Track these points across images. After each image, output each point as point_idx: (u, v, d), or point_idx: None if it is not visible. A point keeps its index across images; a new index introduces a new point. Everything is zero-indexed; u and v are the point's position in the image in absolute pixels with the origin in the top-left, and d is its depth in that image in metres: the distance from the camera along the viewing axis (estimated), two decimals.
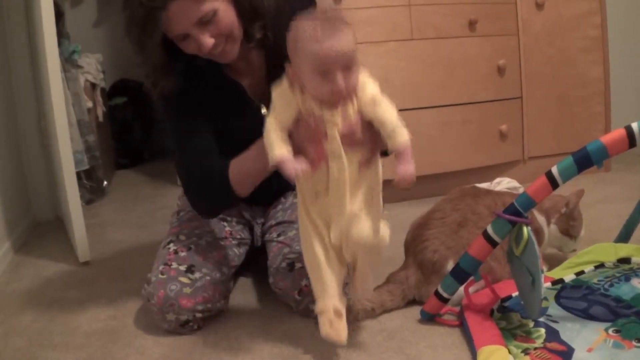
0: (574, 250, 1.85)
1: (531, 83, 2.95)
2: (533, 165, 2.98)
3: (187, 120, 1.65)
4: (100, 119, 3.36)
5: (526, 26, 2.90)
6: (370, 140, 1.35)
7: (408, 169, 1.30)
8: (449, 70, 2.76)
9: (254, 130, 1.41)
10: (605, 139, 1.29)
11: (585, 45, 3.00)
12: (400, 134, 1.31)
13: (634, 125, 1.26)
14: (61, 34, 3.03)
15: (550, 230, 1.82)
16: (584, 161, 1.31)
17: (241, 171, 1.55)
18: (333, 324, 1.38)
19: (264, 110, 1.66)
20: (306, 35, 1.27)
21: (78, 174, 2.79)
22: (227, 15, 1.49)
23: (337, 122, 1.32)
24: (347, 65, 1.28)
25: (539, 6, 2.90)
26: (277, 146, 1.33)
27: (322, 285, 1.41)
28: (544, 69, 2.97)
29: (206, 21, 1.45)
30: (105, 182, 3.32)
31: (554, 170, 1.33)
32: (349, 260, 1.43)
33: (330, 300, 1.40)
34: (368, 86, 1.34)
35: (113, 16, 4.24)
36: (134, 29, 1.47)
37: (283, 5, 1.57)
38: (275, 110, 1.36)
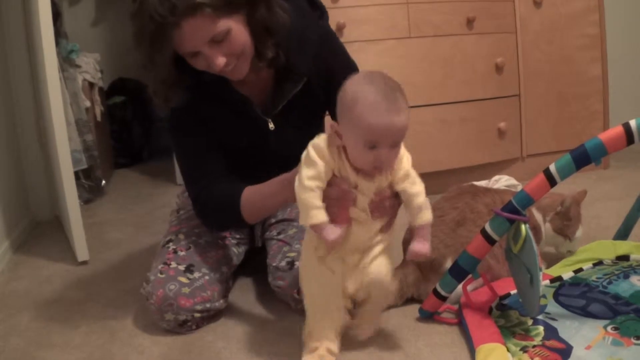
0: (569, 252, 1.83)
1: (529, 81, 2.95)
2: (531, 163, 2.98)
3: (194, 141, 1.64)
4: (99, 118, 3.36)
5: (524, 24, 2.90)
6: (394, 209, 1.37)
7: (424, 247, 1.33)
8: (447, 68, 2.76)
9: (260, 145, 1.39)
10: (603, 136, 1.29)
11: (583, 43, 3.00)
12: (425, 214, 1.33)
13: (632, 123, 1.26)
14: (59, 33, 3.03)
15: (545, 228, 1.82)
16: (582, 158, 1.31)
17: (255, 204, 1.54)
18: (324, 358, 1.38)
19: (271, 126, 1.65)
20: (367, 103, 1.23)
21: (76, 174, 2.80)
22: (241, 34, 1.46)
23: (369, 194, 1.31)
24: (397, 142, 1.27)
25: (537, 4, 2.90)
26: (315, 208, 1.27)
27: (321, 330, 1.41)
28: (542, 66, 2.97)
29: (219, 40, 1.43)
30: (103, 182, 3.32)
31: (552, 167, 1.33)
32: (360, 299, 1.43)
33: (325, 342, 1.39)
34: (403, 160, 1.33)
35: (111, 15, 4.24)
36: (143, 42, 1.43)
37: (295, 24, 1.56)
38: (315, 167, 1.28)
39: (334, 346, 1.40)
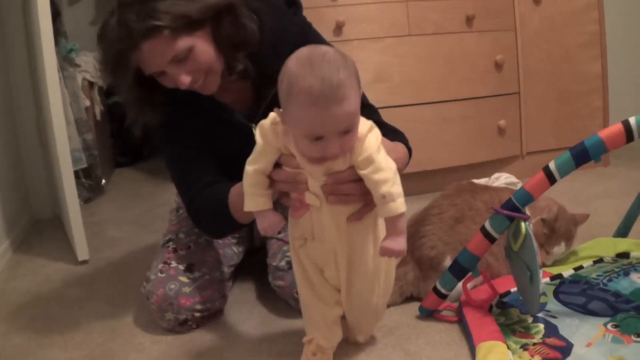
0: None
1: (529, 78, 2.95)
2: (531, 161, 2.98)
3: (182, 151, 1.61)
4: (98, 117, 3.36)
5: (524, 22, 2.90)
6: (360, 196, 1.21)
7: (396, 244, 1.19)
8: (447, 66, 2.76)
9: (247, 151, 1.36)
10: (603, 133, 1.29)
11: (583, 40, 3.00)
12: (392, 206, 1.16)
13: (632, 120, 1.26)
14: (58, 33, 3.03)
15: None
16: (582, 156, 1.31)
17: (237, 203, 1.44)
18: (317, 356, 1.36)
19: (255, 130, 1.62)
20: (302, 92, 1.09)
21: (76, 173, 2.80)
22: (205, 51, 1.44)
23: (319, 176, 1.19)
24: (345, 130, 1.12)
25: (537, 2, 2.90)
26: (250, 195, 1.23)
27: (311, 321, 1.40)
28: (542, 64, 2.96)
29: (181, 59, 1.41)
30: (103, 181, 3.31)
31: (552, 165, 1.33)
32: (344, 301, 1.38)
33: (316, 335, 1.37)
34: (366, 142, 1.17)
35: None
36: (106, 67, 1.45)
37: (271, 26, 1.54)
38: (254, 153, 1.23)
39: (324, 342, 1.36)
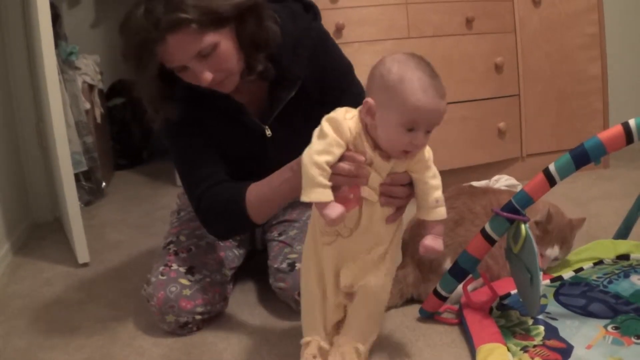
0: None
1: (529, 80, 2.95)
2: (531, 163, 2.98)
3: (192, 147, 1.60)
4: (98, 120, 3.36)
5: (523, 23, 2.90)
6: (403, 199, 1.30)
7: (437, 243, 1.28)
8: (446, 69, 2.75)
9: (258, 153, 1.35)
10: (603, 135, 1.29)
11: (583, 42, 3.00)
12: (442, 210, 1.29)
13: (631, 122, 1.26)
14: (58, 36, 3.03)
15: None
16: (582, 158, 1.31)
17: (261, 200, 1.49)
18: (316, 359, 1.35)
19: (268, 133, 1.61)
20: (416, 83, 1.18)
21: (76, 175, 2.80)
22: (228, 49, 1.43)
23: (383, 173, 1.26)
24: (434, 126, 1.24)
25: (536, 3, 2.90)
26: (320, 186, 1.19)
27: (313, 323, 1.37)
28: (541, 66, 2.96)
29: (206, 54, 1.40)
30: (104, 183, 3.32)
31: (552, 167, 1.34)
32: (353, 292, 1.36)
33: (317, 338, 1.36)
34: (425, 151, 1.29)
35: (111, 17, 4.23)
36: (129, 58, 1.43)
37: (290, 31, 1.54)
38: (321, 145, 1.21)
39: (326, 344, 1.36)
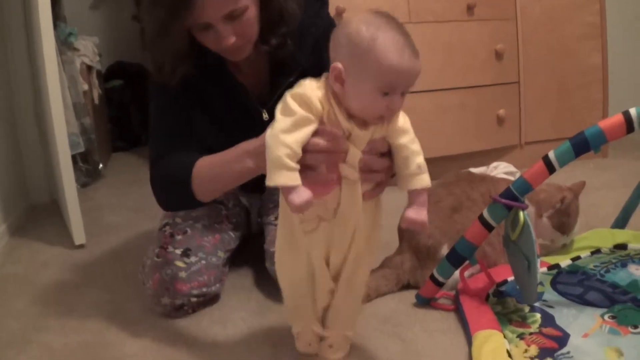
0: (564, 245, 1.81)
1: (529, 68, 2.95)
2: (530, 150, 2.98)
3: (174, 117, 1.58)
4: (96, 101, 3.35)
5: (525, 11, 2.89)
6: (385, 171, 1.20)
7: (421, 214, 1.17)
8: (447, 55, 2.75)
9: (253, 136, 1.32)
10: (603, 124, 1.28)
11: (584, 32, 2.99)
12: (425, 178, 1.18)
13: (632, 111, 1.26)
14: (58, 17, 3.01)
15: (543, 223, 1.76)
16: (582, 146, 1.30)
17: (208, 172, 1.44)
18: (312, 345, 1.34)
19: (265, 116, 1.60)
20: (389, 44, 1.07)
21: (74, 157, 2.78)
22: (254, 15, 1.43)
23: (362, 144, 1.14)
24: (409, 88, 1.12)
25: None
26: (286, 167, 1.06)
27: (303, 313, 1.32)
28: (542, 54, 2.96)
29: (235, 16, 1.38)
30: (101, 165, 3.31)
31: (551, 155, 1.33)
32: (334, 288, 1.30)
33: (310, 323, 1.32)
34: (400, 114, 1.17)
35: None
36: (159, 10, 1.36)
37: (305, 19, 1.54)
38: (288, 124, 1.09)
39: (321, 329, 1.32)
